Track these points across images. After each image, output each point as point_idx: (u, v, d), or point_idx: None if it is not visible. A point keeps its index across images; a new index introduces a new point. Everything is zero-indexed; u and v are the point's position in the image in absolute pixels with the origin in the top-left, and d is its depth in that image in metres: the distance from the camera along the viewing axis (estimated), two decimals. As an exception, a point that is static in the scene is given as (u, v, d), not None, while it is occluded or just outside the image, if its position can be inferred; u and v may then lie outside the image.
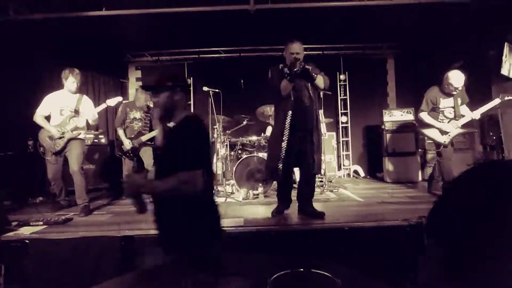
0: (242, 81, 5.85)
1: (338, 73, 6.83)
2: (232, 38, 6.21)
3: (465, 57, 5.32)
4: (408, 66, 6.71)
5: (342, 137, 6.97)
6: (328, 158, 5.85)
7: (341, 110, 6.94)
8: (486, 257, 0.60)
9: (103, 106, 3.83)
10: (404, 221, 2.65)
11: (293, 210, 3.23)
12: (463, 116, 3.89)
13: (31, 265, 2.47)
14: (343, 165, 6.87)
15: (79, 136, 3.76)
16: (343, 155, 6.92)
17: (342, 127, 6.95)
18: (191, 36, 5.97)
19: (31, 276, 2.43)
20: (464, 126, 3.90)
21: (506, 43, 4.61)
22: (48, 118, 3.75)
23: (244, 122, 5.27)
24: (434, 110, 3.98)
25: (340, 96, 6.90)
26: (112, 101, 3.87)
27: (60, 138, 3.65)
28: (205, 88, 4.46)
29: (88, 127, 4.03)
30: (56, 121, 3.72)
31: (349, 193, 4.53)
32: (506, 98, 3.74)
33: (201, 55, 6.76)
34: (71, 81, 3.70)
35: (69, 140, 3.69)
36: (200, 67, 6.82)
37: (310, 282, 0.51)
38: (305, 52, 3.12)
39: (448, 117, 3.93)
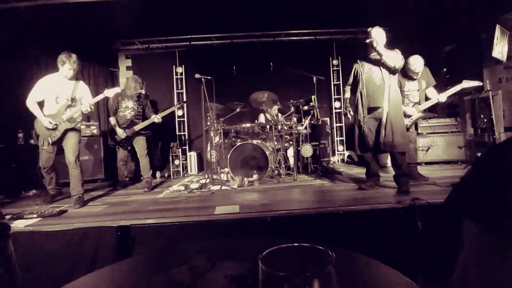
0: (234, 67, 5.79)
1: (331, 58, 6.79)
2: (223, 24, 6.12)
3: (458, 40, 5.31)
4: (400, 49, 6.66)
5: (336, 123, 6.99)
6: (322, 144, 5.86)
7: (334, 95, 6.93)
8: None
9: (101, 96, 3.70)
10: (397, 203, 2.70)
11: (295, 194, 3.24)
12: (428, 99, 3.91)
13: (27, 257, 2.47)
14: (337, 151, 6.92)
15: (75, 126, 3.63)
16: (337, 140, 6.96)
17: (335, 112, 6.96)
18: (182, 23, 5.87)
19: (26, 269, 2.43)
20: (425, 111, 3.94)
21: (497, 26, 4.61)
22: (41, 103, 3.56)
23: (238, 109, 5.24)
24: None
25: (333, 81, 6.88)
26: (110, 92, 3.75)
27: (55, 129, 3.52)
28: (197, 76, 4.40)
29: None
30: (51, 109, 3.55)
31: (343, 178, 4.57)
32: (466, 84, 3.78)
33: (192, 42, 6.65)
34: (67, 68, 3.54)
35: (66, 131, 3.57)
36: (192, 54, 6.72)
37: (304, 255, 0.51)
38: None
39: (412, 101, 3.94)
